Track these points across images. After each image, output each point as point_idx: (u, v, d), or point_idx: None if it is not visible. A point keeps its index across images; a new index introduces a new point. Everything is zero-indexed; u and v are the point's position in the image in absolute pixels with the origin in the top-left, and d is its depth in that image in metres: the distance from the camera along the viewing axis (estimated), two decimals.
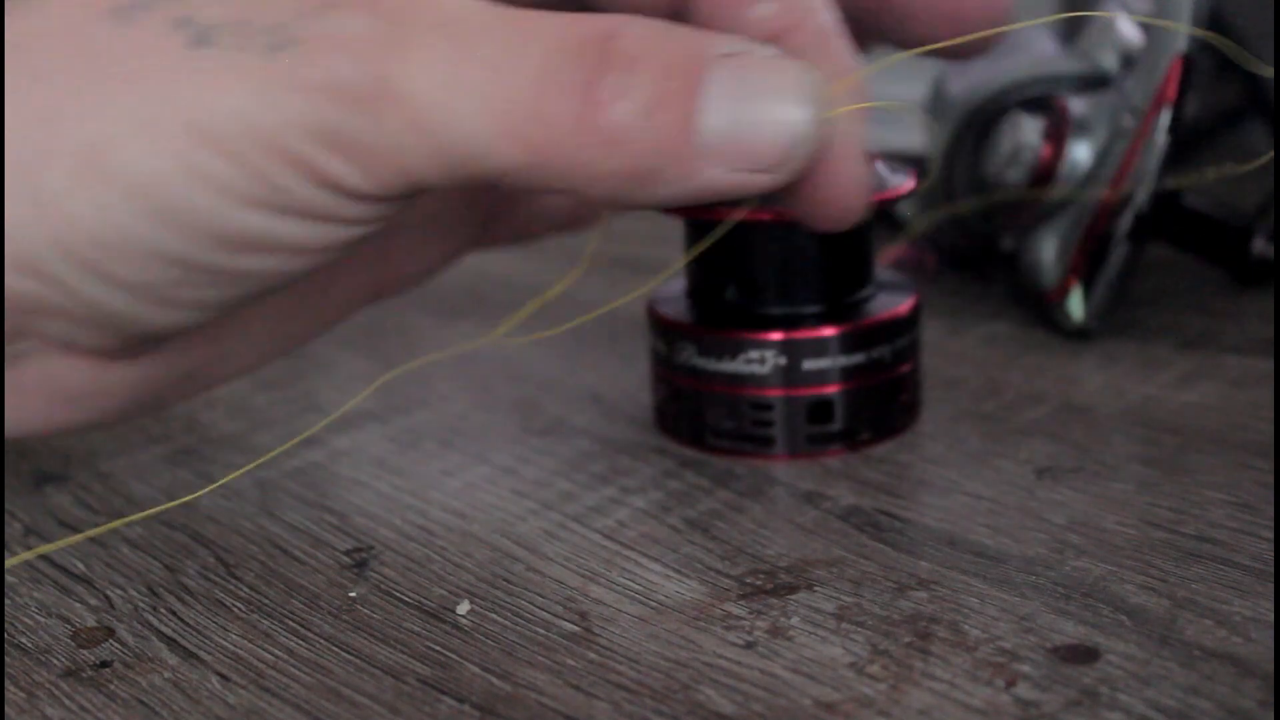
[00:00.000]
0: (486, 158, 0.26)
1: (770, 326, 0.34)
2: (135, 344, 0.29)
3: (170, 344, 0.30)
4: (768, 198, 0.28)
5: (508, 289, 0.50)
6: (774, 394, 0.34)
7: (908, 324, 0.35)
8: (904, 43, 0.32)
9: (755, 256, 0.34)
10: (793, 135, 0.26)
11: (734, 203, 0.29)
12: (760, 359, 0.34)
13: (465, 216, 0.37)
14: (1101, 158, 0.40)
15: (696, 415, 0.35)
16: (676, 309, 0.35)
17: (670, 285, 0.37)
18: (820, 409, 0.34)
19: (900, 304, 0.35)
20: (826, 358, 0.34)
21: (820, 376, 0.34)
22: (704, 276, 0.35)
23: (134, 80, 0.25)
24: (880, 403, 0.35)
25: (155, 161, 0.25)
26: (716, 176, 0.26)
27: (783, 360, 0.34)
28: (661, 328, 0.35)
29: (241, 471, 0.34)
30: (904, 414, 0.35)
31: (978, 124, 0.44)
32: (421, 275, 0.37)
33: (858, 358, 0.34)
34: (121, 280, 0.26)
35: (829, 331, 0.34)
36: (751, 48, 0.26)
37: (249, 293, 0.28)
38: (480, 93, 0.25)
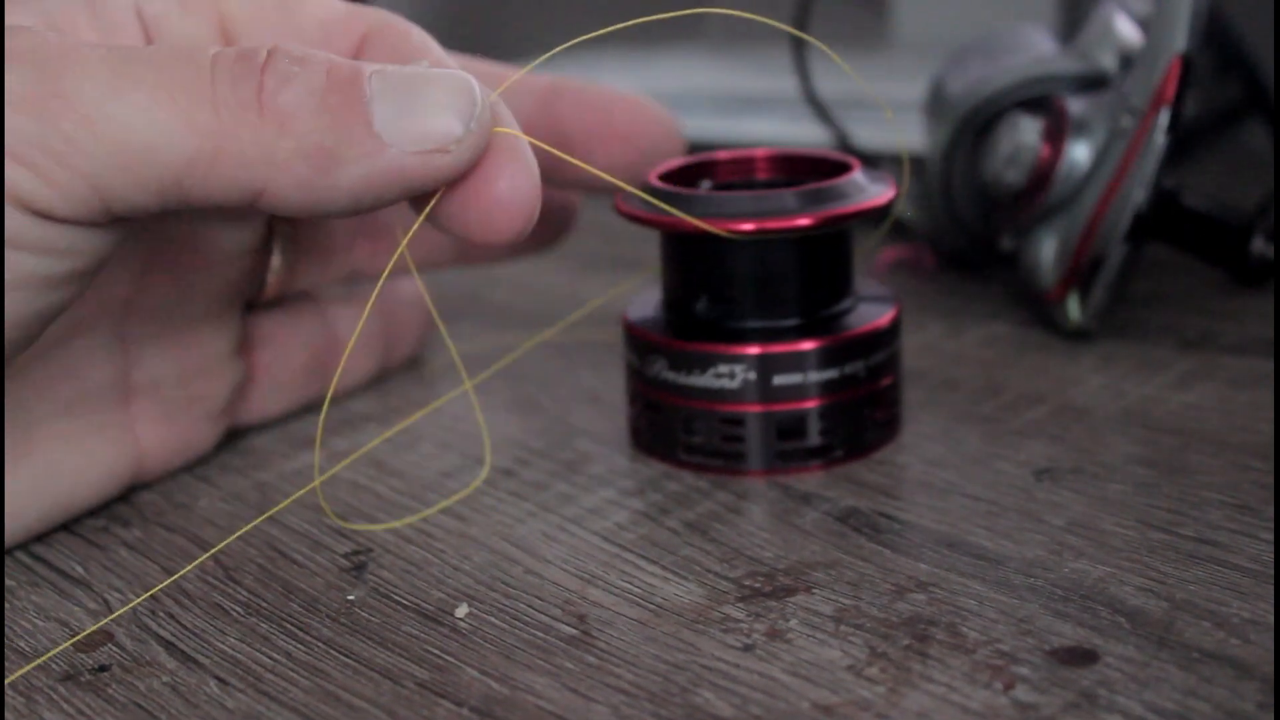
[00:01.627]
0: (164, 149, 0.26)
1: (741, 340, 0.33)
2: None
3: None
4: (433, 211, 0.28)
5: (512, 289, 0.50)
6: (745, 409, 0.33)
7: (885, 337, 0.34)
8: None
9: (725, 269, 0.34)
10: (461, 112, 0.27)
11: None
12: (730, 374, 0.33)
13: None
14: (1100, 158, 0.40)
15: (668, 430, 0.34)
16: (650, 322, 0.35)
17: (646, 297, 0.37)
18: (793, 425, 0.33)
19: (878, 317, 0.34)
20: (799, 373, 0.33)
21: (793, 392, 0.33)
22: (677, 289, 0.35)
23: None
24: (856, 419, 0.34)
25: None
26: (398, 157, 0.27)
27: (753, 375, 0.33)
28: (634, 341, 0.35)
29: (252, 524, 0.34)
30: (882, 430, 0.35)
31: (976, 124, 0.44)
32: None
33: (831, 373, 0.33)
34: None
35: (801, 345, 0.33)
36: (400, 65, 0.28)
37: None
38: (150, 85, 0.26)
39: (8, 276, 0.26)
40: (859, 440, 0.34)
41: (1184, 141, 0.41)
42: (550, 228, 0.41)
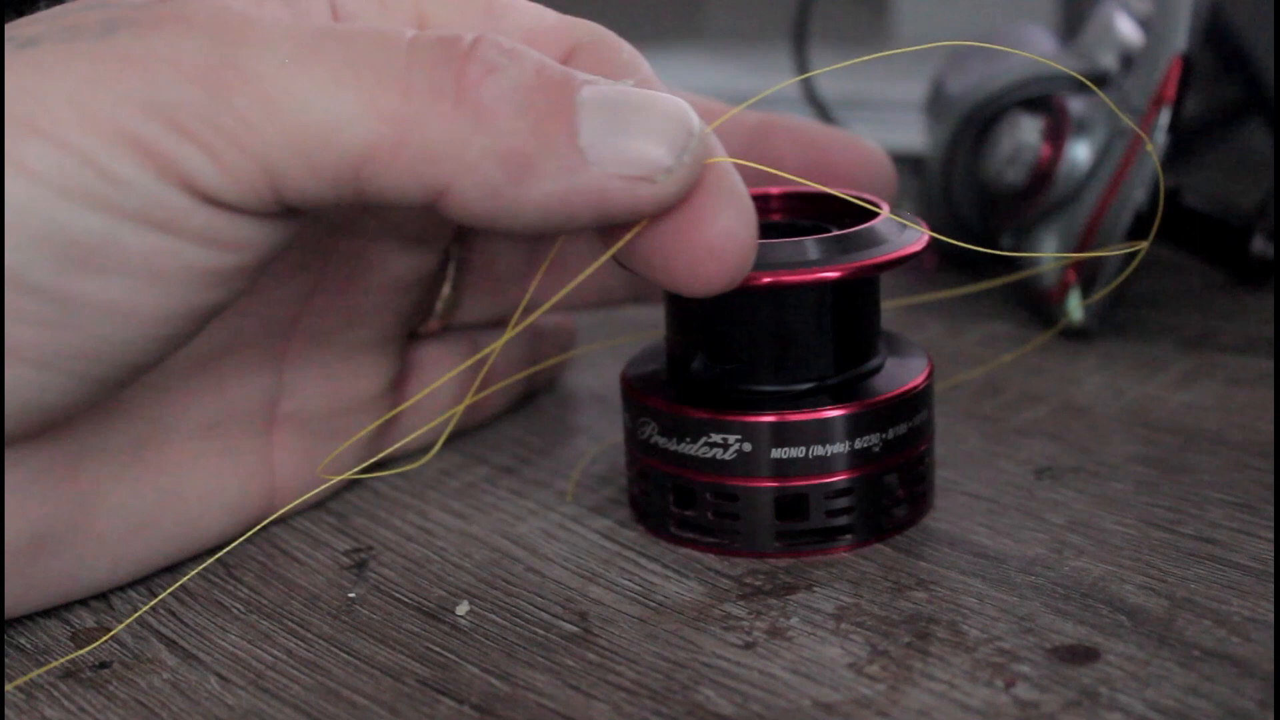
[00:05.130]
0: (343, 133, 0.23)
1: (733, 408, 0.29)
2: (19, 428, 0.25)
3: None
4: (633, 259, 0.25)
5: None
6: (737, 484, 0.29)
7: (908, 407, 0.30)
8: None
9: (724, 323, 0.30)
10: (675, 142, 0.24)
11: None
12: (723, 443, 0.29)
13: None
14: (1101, 157, 0.40)
15: (659, 500, 0.31)
16: (648, 378, 0.31)
17: (653, 349, 0.33)
18: (791, 504, 0.29)
19: (902, 382, 0.30)
20: (799, 446, 0.29)
21: (792, 467, 0.29)
22: (677, 344, 0.31)
23: None
24: (867, 500, 0.30)
25: None
26: (600, 178, 0.24)
27: (748, 446, 0.29)
28: (628, 399, 0.31)
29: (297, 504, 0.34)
30: (901, 511, 0.30)
31: (977, 124, 0.44)
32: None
33: (840, 447, 0.29)
34: None
35: (801, 416, 0.29)
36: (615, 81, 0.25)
37: (107, 340, 0.24)
38: (335, 63, 0.24)
39: (166, 265, 0.24)
40: (872, 523, 0.30)
41: (1184, 141, 0.41)
42: None
